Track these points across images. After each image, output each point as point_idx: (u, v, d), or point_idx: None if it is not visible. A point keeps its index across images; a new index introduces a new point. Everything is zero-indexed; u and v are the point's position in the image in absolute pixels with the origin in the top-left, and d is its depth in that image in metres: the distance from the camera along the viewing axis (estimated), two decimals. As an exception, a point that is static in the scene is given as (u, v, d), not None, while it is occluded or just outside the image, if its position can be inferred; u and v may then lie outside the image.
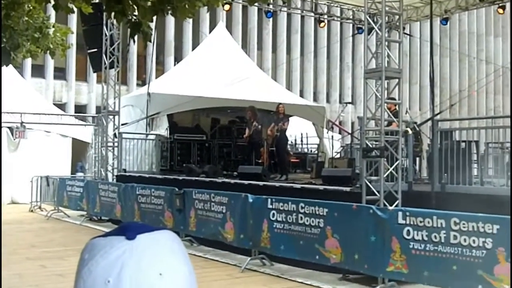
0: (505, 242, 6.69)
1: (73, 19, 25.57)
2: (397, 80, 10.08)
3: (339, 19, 22.41)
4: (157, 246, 1.02)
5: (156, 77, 24.20)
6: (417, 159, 13.64)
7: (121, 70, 17.88)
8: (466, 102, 42.99)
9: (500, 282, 6.68)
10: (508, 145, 11.01)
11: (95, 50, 16.74)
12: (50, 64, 30.31)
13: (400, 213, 7.83)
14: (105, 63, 16.69)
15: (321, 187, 10.91)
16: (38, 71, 30.57)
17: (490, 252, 6.83)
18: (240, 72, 18.80)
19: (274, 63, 36.99)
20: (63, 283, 8.71)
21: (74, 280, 1.01)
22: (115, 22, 15.35)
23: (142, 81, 31.18)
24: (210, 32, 25.26)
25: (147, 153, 17.10)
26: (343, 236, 8.52)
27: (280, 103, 15.24)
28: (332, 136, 17.55)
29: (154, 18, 6.44)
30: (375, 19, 11.92)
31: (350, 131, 25.57)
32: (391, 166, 9.46)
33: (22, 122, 18.80)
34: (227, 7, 17.95)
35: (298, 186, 11.55)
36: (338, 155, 17.49)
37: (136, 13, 6.21)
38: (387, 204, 8.95)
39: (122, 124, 17.17)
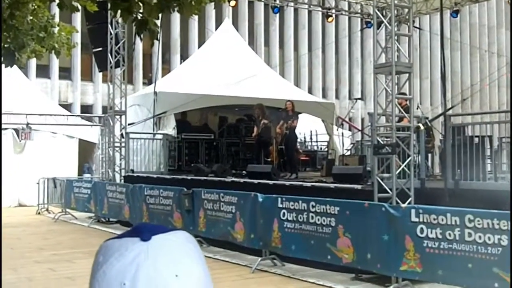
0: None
1: (77, 18, 25.45)
2: (407, 74, 9.92)
3: (347, 13, 22.19)
4: (172, 247, 1.02)
5: (162, 76, 24.08)
6: (429, 155, 13.46)
7: (127, 69, 17.76)
8: (478, 96, 42.56)
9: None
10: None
11: (100, 49, 16.61)
12: (55, 64, 30.23)
13: (413, 211, 7.71)
14: (110, 62, 16.57)
15: (332, 185, 10.78)
16: (43, 71, 30.47)
17: (505, 249, 6.75)
18: (247, 69, 18.64)
19: (282, 59, 36.73)
20: (73, 286, 8.70)
21: (89, 283, 1.01)
22: (120, 20, 15.23)
23: (148, 80, 31.09)
24: (216, 29, 25.09)
25: (155, 153, 16.95)
26: (355, 235, 8.40)
27: (289, 100, 15.05)
28: (342, 133, 17.40)
29: (160, 15, 6.32)
30: (384, 13, 11.72)
31: (360, 128, 25.36)
32: (403, 163, 9.30)
33: (27, 124, 18.63)
34: (233, 3, 17.87)
35: (309, 184, 11.40)
36: (349, 152, 17.29)
37: (141, 10, 6.10)
38: (399, 201, 8.80)
39: (129, 124, 17.05)
